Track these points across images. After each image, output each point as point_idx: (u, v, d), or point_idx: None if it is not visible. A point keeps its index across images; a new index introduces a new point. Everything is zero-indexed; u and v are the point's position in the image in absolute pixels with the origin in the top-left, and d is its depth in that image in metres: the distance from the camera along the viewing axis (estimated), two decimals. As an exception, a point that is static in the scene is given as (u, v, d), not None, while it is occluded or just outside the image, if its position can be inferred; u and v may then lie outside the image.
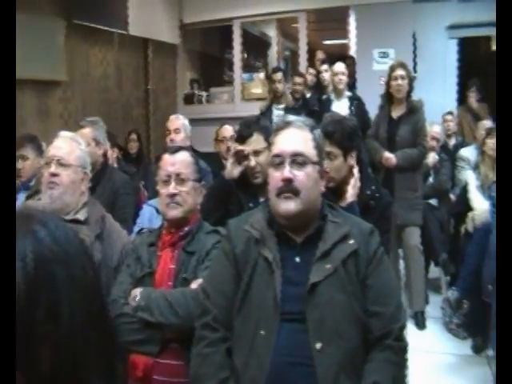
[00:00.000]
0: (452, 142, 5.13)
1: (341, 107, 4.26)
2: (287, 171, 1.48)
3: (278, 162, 1.51)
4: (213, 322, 1.47)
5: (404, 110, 3.66)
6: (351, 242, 1.49)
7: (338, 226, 1.52)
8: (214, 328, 1.47)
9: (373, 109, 3.93)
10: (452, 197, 4.22)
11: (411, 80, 3.70)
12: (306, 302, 1.41)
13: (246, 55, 7.27)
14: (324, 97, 4.91)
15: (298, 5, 6.43)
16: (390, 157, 3.55)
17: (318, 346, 1.37)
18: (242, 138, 2.29)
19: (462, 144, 4.91)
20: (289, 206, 1.47)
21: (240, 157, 2.23)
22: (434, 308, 3.70)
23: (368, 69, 5.92)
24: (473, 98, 5.67)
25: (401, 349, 1.44)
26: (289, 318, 1.41)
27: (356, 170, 2.38)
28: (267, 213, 1.56)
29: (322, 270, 1.44)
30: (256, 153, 2.22)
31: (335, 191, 2.36)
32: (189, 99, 6.83)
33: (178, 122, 3.52)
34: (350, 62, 6.34)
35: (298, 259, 1.49)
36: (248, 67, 7.32)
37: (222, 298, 1.49)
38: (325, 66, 5.58)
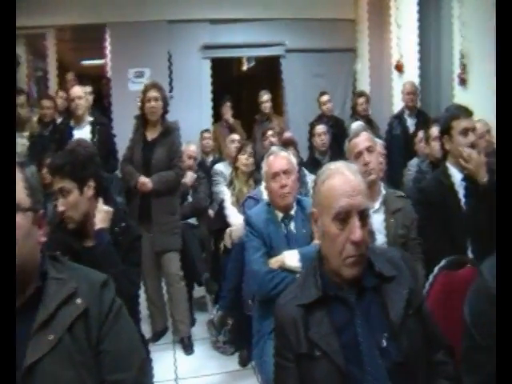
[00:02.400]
0: (210, 158, 5.33)
1: (82, 134, 4.02)
2: None
3: None
4: None
5: (159, 131, 3.60)
6: (78, 301, 1.27)
7: (63, 283, 1.30)
8: None
9: (129, 131, 3.81)
10: (211, 213, 4.29)
11: (166, 101, 3.65)
12: None
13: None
14: (59, 122, 4.60)
15: (45, 20, 5.96)
16: (145, 181, 3.47)
17: None
18: None
19: (218, 160, 5.11)
20: None
21: None
22: (201, 328, 3.73)
23: (124, 89, 5.83)
24: (228, 114, 6.00)
25: None
26: None
27: (101, 203, 2.22)
28: None
29: (42, 343, 1.20)
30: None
31: (77, 232, 2.17)
32: None
33: None
34: (105, 83, 6.17)
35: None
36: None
37: None
38: (60, 93, 5.31)
